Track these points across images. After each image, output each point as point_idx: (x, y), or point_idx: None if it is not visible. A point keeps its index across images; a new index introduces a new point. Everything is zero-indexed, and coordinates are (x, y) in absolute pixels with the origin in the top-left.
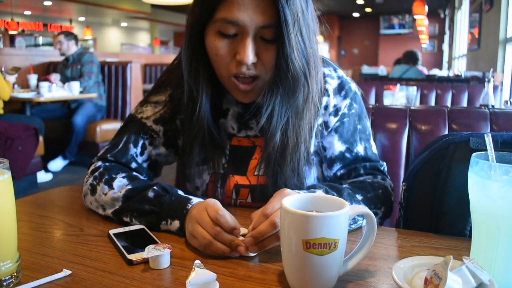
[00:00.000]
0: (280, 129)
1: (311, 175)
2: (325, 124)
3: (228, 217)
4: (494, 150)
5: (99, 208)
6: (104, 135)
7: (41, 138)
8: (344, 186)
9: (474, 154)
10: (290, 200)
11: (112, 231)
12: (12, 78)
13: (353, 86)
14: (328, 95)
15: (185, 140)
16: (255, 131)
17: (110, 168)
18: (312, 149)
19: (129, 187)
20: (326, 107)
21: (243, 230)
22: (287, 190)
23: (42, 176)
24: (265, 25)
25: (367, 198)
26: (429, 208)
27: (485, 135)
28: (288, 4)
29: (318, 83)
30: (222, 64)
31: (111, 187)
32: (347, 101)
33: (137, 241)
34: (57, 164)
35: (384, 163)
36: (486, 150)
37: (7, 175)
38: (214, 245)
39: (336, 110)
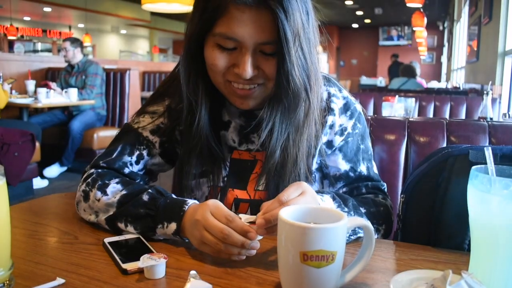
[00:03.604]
0: (281, 146)
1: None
2: (330, 143)
3: (238, 220)
4: (494, 164)
5: (92, 214)
6: (101, 142)
7: (37, 144)
8: (349, 197)
9: (473, 167)
10: (287, 211)
11: (107, 240)
12: (7, 87)
13: (358, 106)
14: (334, 114)
15: (184, 152)
16: (256, 145)
17: (103, 174)
18: (314, 166)
19: (123, 192)
20: (331, 126)
21: (244, 216)
22: (305, 184)
23: (38, 183)
24: (265, 42)
25: (370, 212)
26: (428, 221)
27: (485, 148)
28: (288, 21)
29: (319, 97)
30: (219, 73)
31: (104, 193)
32: (353, 121)
33: (133, 250)
34: (53, 170)
35: (385, 184)
36: (485, 163)
37: (2, 181)
38: (227, 249)
39: (342, 130)
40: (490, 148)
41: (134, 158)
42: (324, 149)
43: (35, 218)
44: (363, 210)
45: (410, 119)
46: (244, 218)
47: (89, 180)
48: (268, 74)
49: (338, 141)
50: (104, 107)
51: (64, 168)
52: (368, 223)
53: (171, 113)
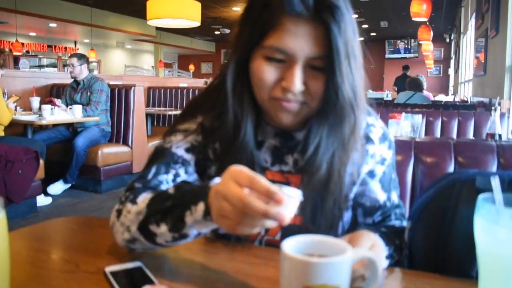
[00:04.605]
0: (327, 162)
1: (345, 218)
2: (371, 172)
3: (263, 181)
4: (502, 191)
5: (125, 231)
6: (105, 159)
7: (41, 162)
8: (392, 234)
9: (480, 196)
10: (290, 244)
11: (108, 269)
12: (12, 105)
13: (391, 136)
14: (374, 143)
15: (221, 169)
16: (290, 166)
17: (136, 190)
18: (352, 195)
19: (151, 195)
20: (372, 156)
21: (287, 189)
22: (372, 234)
23: (42, 200)
24: (316, 56)
25: (400, 246)
26: (435, 248)
27: (491, 177)
28: (341, 34)
29: (364, 116)
30: (265, 88)
31: (134, 203)
32: (391, 151)
33: (134, 280)
34: (57, 187)
35: (404, 207)
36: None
37: (2, 214)
38: (246, 223)
39: (383, 160)
40: (497, 177)
41: (170, 176)
42: (365, 179)
43: (36, 245)
44: (397, 242)
45: (416, 140)
46: (286, 190)
47: (122, 199)
48: (313, 92)
49: (379, 170)
50: (108, 123)
51: (68, 185)
52: (372, 256)
53: (205, 131)
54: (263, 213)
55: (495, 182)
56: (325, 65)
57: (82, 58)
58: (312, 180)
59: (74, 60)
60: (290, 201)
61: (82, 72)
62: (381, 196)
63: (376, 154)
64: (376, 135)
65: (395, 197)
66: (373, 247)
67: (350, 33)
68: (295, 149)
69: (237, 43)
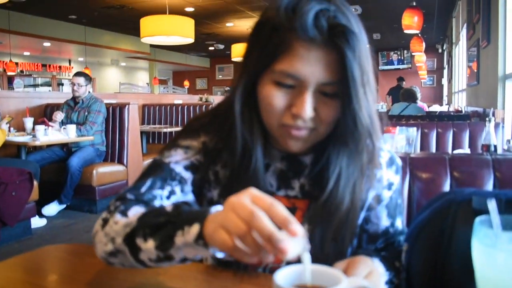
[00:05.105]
0: (349, 193)
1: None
2: (378, 197)
3: (283, 208)
4: (499, 212)
5: (108, 242)
6: (100, 178)
7: (35, 183)
8: (392, 257)
9: (477, 219)
10: (283, 274)
11: None
12: (5, 126)
13: (398, 160)
14: (381, 168)
15: (225, 195)
16: (296, 191)
17: (128, 201)
18: (359, 221)
19: (145, 211)
20: (379, 180)
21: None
22: (370, 261)
23: (36, 222)
24: (328, 82)
25: (399, 269)
26: (433, 271)
27: (487, 200)
28: (356, 60)
29: (380, 141)
30: (275, 114)
31: (125, 215)
32: (398, 176)
33: None
34: (52, 208)
35: None
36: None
37: None
38: (247, 241)
39: (390, 185)
40: (493, 199)
41: (165, 193)
42: (372, 204)
43: (23, 276)
44: (397, 264)
45: (411, 155)
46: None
47: (111, 208)
48: (323, 118)
49: (386, 195)
50: (103, 143)
51: (63, 206)
52: (368, 285)
53: (208, 152)
54: (269, 234)
55: (492, 205)
56: (337, 90)
57: (88, 78)
58: (337, 213)
59: (81, 80)
60: (299, 240)
61: (86, 92)
62: (385, 222)
63: (383, 178)
64: (383, 159)
65: (399, 223)
66: (370, 275)
67: (364, 58)
68: (302, 174)
69: (245, 66)
